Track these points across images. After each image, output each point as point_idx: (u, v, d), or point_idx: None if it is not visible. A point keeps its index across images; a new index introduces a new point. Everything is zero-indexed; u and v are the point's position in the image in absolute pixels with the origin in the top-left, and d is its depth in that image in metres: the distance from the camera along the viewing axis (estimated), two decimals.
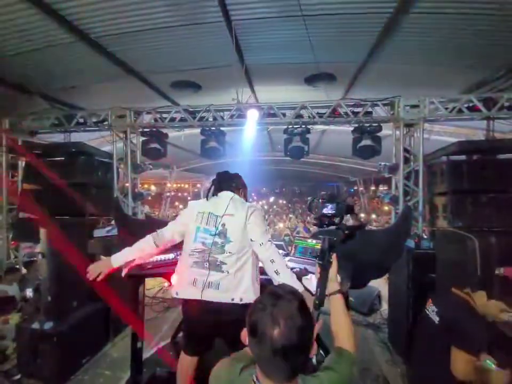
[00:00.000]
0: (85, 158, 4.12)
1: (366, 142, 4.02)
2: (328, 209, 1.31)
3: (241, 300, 1.64)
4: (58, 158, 4.28)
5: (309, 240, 2.57)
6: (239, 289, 1.65)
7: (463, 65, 3.97)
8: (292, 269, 2.15)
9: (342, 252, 2.44)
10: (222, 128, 4.47)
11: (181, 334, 2.91)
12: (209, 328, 1.72)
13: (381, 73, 4.39)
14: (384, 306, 4.09)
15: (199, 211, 1.77)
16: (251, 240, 1.68)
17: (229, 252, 1.67)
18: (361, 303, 4.07)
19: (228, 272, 1.65)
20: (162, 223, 3.16)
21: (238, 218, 1.69)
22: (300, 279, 2.05)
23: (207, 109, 4.41)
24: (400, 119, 3.98)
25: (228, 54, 3.93)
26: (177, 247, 2.31)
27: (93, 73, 4.32)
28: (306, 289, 1.68)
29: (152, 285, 4.56)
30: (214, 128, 4.43)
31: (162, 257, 2.41)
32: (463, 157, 3.67)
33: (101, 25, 3.29)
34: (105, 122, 4.53)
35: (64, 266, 2.93)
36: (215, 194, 1.83)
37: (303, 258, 2.42)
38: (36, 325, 2.69)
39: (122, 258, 1.80)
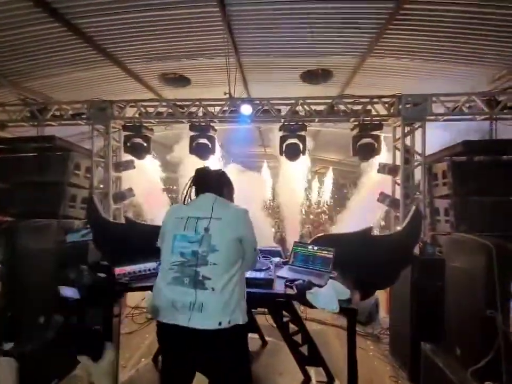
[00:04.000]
0: (59, 153, 3.72)
1: (366, 140, 3.82)
2: None
3: (229, 322, 1.33)
4: (29, 154, 3.87)
5: (310, 247, 2.28)
6: (227, 310, 1.34)
7: (466, 62, 3.84)
8: (293, 281, 1.89)
9: (345, 260, 2.22)
10: (212, 124, 4.18)
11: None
12: (189, 357, 1.39)
13: (381, 69, 4.21)
14: (382, 314, 3.87)
15: (176, 216, 1.48)
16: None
17: (213, 263, 1.35)
18: (359, 312, 3.84)
19: (213, 289, 1.33)
20: (144, 227, 2.89)
21: (226, 224, 1.42)
22: (303, 293, 1.78)
23: (197, 103, 4.11)
24: (401, 117, 3.80)
25: (221, 45, 3.65)
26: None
27: (68, 58, 3.91)
28: None
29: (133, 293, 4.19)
30: (204, 124, 4.13)
31: (143, 266, 2.10)
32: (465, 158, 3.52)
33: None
34: (84, 116, 4.15)
35: (30, 276, 2.56)
36: (195, 195, 1.54)
37: (305, 268, 2.14)
38: None
39: None
